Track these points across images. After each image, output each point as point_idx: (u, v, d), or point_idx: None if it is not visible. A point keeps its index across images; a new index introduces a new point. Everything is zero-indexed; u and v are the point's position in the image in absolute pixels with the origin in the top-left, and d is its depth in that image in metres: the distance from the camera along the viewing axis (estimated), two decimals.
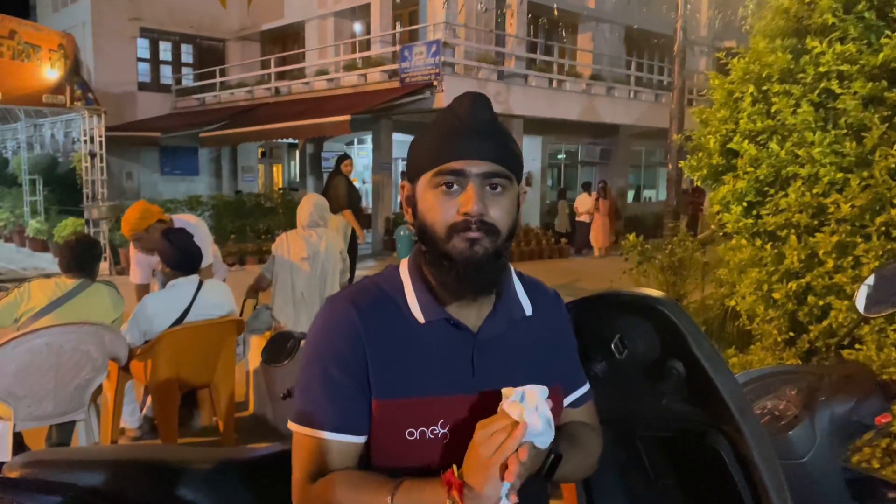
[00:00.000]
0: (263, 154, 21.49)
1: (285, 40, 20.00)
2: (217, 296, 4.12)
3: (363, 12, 17.61)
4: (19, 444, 3.77)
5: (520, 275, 1.35)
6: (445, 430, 1.17)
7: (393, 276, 1.26)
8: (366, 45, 16.63)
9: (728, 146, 2.52)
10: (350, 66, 15.74)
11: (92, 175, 11.06)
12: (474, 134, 1.16)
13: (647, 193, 22.95)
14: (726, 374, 1.24)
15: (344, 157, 9.26)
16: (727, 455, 1.26)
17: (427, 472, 1.16)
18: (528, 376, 1.18)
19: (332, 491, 1.14)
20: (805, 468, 1.57)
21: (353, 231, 8.64)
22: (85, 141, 11.04)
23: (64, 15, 19.27)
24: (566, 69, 16.98)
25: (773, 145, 2.36)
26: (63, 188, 13.43)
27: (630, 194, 21.26)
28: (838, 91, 2.28)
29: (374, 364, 1.17)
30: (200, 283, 4.03)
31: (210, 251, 4.61)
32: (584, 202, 15.95)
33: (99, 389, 3.77)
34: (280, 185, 21.87)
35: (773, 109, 2.41)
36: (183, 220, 4.61)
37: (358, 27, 18.46)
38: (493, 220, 1.15)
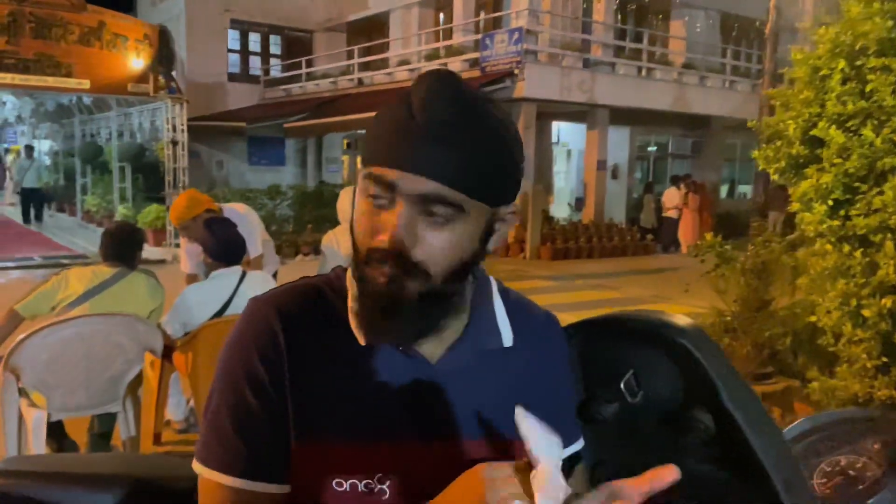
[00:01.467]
0: (349, 146, 21.69)
1: (370, 31, 20.03)
2: (260, 288, 3.95)
3: (447, 1, 17.41)
4: (61, 434, 3.76)
5: (504, 291, 1.05)
6: (384, 486, 0.90)
7: (339, 280, 0.99)
8: (448, 34, 16.43)
9: (811, 133, 2.12)
10: (432, 56, 15.59)
11: (174, 163, 11.33)
12: (423, 138, 0.84)
13: (741, 189, 21.85)
14: (770, 434, 0.91)
15: None
16: None
17: None
18: (499, 424, 0.95)
19: None
20: None
21: None
22: (168, 129, 11.31)
23: (161, 9, 19.98)
24: (656, 57, 16.27)
25: (867, 132, 1.95)
26: (149, 176, 13.87)
27: (723, 189, 20.27)
28: None
29: (297, 394, 0.90)
30: (243, 275, 3.89)
31: (258, 242, 4.48)
32: (672, 197, 15.28)
33: (139, 381, 3.69)
34: None
35: (868, 89, 1.99)
36: (231, 208, 4.50)
37: (441, 16, 18.27)
38: (420, 258, 0.86)
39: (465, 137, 0.85)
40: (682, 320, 1.02)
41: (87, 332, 3.29)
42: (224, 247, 3.85)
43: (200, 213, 4.25)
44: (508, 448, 0.95)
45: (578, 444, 1.06)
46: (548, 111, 15.01)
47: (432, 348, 0.94)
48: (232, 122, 16.52)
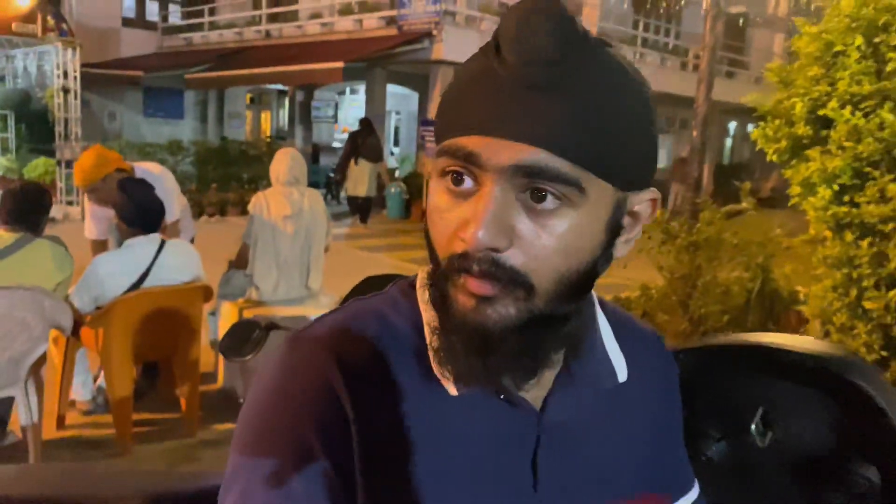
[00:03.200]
0: (252, 100, 20.74)
1: None
2: (181, 258, 3.61)
3: None
4: None
5: (612, 311, 0.82)
6: None
7: (407, 298, 0.73)
8: None
9: (820, 113, 2.00)
10: (345, 11, 14.98)
11: (65, 112, 10.37)
12: (517, 84, 0.58)
13: None
14: None
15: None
16: None
17: None
18: (624, 481, 0.75)
19: None
20: None
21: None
22: (58, 76, 10.33)
23: None
24: None
25: (885, 114, 1.84)
26: (36, 126, 12.70)
27: None
28: None
29: (366, 459, 0.64)
30: (162, 244, 3.52)
31: (176, 205, 4.06)
32: None
33: (42, 360, 3.28)
34: (268, 134, 21.15)
35: (888, 69, 1.88)
36: (145, 168, 4.05)
37: None
38: (520, 262, 0.60)
39: (580, 85, 0.59)
40: (847, 353, 0.82)
41: None
42: (141, 212, 3.47)
43: (110, 172, 3.79)
44: None
45: (695, 491, 0.86)
46: None
47: (534, 390, 0.70)
48: (128, 71, 15.37)
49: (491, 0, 14.63)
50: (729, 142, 23.99)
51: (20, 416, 3.22)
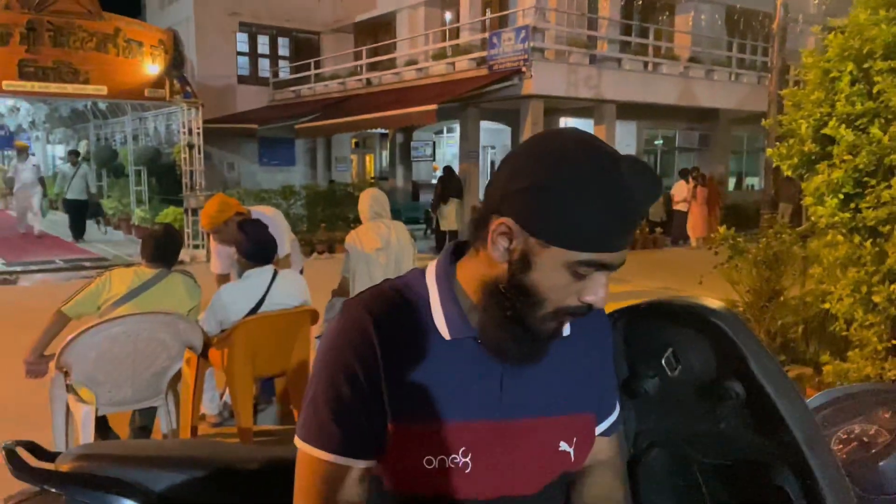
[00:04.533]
0: (357, 144, 21.85)
1: (377, 31, 20.18)
2: (291, 286, 4.14)
3: (453, 0, 17.53)
4: (105, 427, 3.92)
5: None
6: (467, 459, 1.05)
7: (417, 283, 1.11)
8: (455, 33, 16.55)
9: (823, 132, 2.26)
10: (439, 56, 15.71)
11: (190, 165, 11.51)
12: (639, 218, 1.00)
13: (749, 181, 21.90)
14: (794, 399, 1.07)
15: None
16: (793, 492, 1.09)
17: (446, 502, 1.05)
18: (561, 403, 1.12)
19: None
20: None
21: None
22: (184, 133, 11.50)
23: (169, 12, 20.18)
24: (662, 51, 16.35)
25: (875, 130, 2.09)
26: (165, 178, 14.05)
27: (731, 182, 20.32)
28: None
29: (391, 383, 1.04)
30: (275, 274, 4.05)
31: (286, 242, 4.64)
32: (680, 190, 15.36)
33: (178, 376, 3.85)
34: (371, 175, 22.18)
35: (875, 90, 2.13)
36: (260, 211, 4.66)
37: (448, 15, 18.39)
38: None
39: None
40: (715, 303, 1.18)
41: (133, 330, 3.45)
42: (257, 247, 4.01)
43: (231, 216, 4.41)
44: (568, 423, 1.12)
45: (617, 411, 1.22)
46: (555, 107, 15.13)
47: None
48: (243, 125, 16.68)
49: (579, 34, 14.96)
50: None
51: (162, 425, 3.80)
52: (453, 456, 1.04)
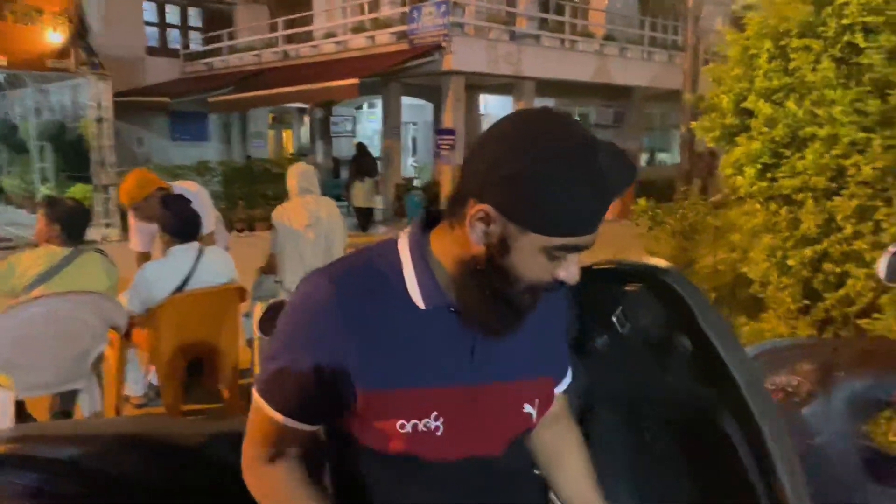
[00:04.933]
0: (274, 120, 21.33)
1: (294, 3, 19.64)
2: (217, 263, 4.06)
3: None
4: (21, 413, 3.77)
5: None
6: (439, 423, 1.10)
7: (390, 252, 1.13)
8: (374, 6, 16.33)
9: (742, 106, 2.39)
10: (358, 29, 15.49)
11: (100, 141, 11.00)
12: (609, 200, 1.01)
13: (661, 157, 22.66)
14: (735, 350, 1.15)
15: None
16: (735, 436, 1.17)
17: (417, 463, 1.10)
18: (525, 368, 1.19)
19: (270, 487, 1.15)
20: (820, 447, 1.49)
21: None
22: (92, 107, 10.95)
23: None
24: (578, 29, 16.64)
25: (791, 104, 2.23)
26: (71, 154, 13.36)
27: (643, 158, 20.97)
28: (862, 45, 2.13)
29: (360, 352, 1.07)
30: (201, 251, 3.97)
31: (211, 218, 4.54)
32: None
33: (101, 358, 3.74)
34: (290, 151, 21.74)
35: (791, 66, 2.27)
36: (182, 187, 4.53)
37: None
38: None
39: None
40: (663, 263, 1.25)
41: (54, 311, 3.32)
42: (182, 224, 3.91)
43: (152, 191, 4.27)
44: (532, 387, 1.20)
45: (570, 373, 1.30)
46: (475, 84, 15.20)
47: None
48: (154, 98, 16.02)
49: (499, 10, 15.04)
50: None
51: (82, 408, 3.68)
52: (425, 420, 1.09)
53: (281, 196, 14.10)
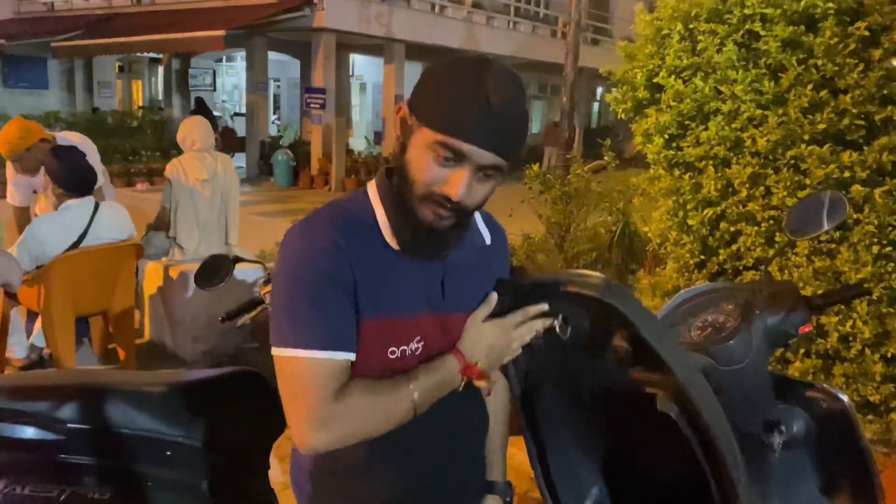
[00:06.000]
0: (122, 69, 19.89)
1: None
2: (115, 218, 3.91)
3: None
4: None
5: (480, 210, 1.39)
6: (419, 346, 1.24)
7: (362, 201, 1.25)
8: None
9: (654, 81, 2.67)
10: None
11: None
12: (496, 124, 1.09)
13: None
14: (674, 349, 1.29)
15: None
16: (678, 419, 1.33)
17: None
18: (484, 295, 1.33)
19: (354, 401, 1.14)
20: (742, 372, 1.75)
21: None
22: None
23: None
24: None
25: (698, 81, 2.52)
26: None
27: None
28: (761, 33, 2.46)
29: (361, 283, 1.18)
30: (97, 206, 3.80)
31: (100, 171, 4.32)
32: None
33: None
34: (140, 103, 20.41)
35: (699, 48, 2.56)
36: (68, 138, 4.27)
37: None
38: (469, 205, 1.15)
39: (522, 123, 1.14)
40: (602, 278, 1.30)
41: None
42: (76, 177, 3.72)
43: (35, 142, 4.01)
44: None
45: None
46: (346, 43, 15.01)
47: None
48: None
49: None
50: (596, 106, 25.30)
51: None
52: (411, 345, 1.23)
53: (138, 150, 13.35)
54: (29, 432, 1.77)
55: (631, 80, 2.78)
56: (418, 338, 1.23)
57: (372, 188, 1.25)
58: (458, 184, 1.11)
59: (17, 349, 4.16)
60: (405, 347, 1.22)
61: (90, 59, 17.72)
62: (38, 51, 15.28)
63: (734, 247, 2.61)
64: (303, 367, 1.13)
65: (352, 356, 1.16)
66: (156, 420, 1.87)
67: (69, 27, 15.09)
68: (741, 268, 2.65)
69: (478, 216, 1.35)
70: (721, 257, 2.65)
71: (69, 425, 1.80)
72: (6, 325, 3.98)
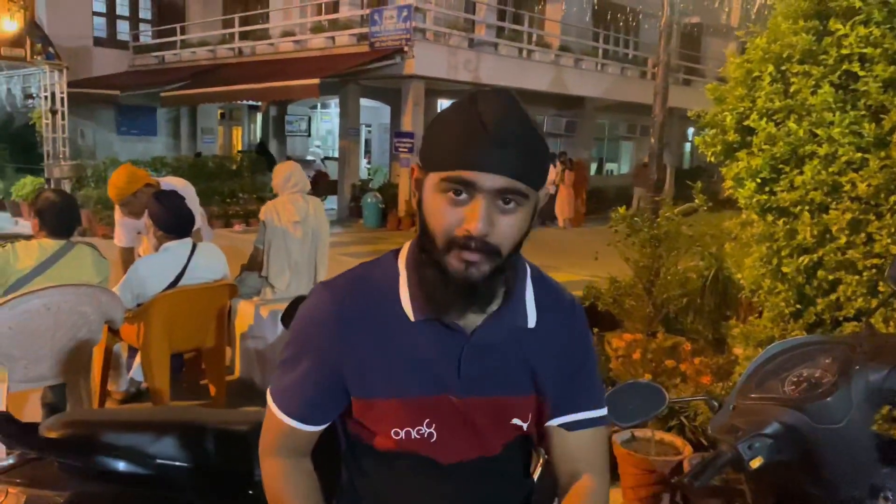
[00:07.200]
0: (223, 115, 21.02)
1: None
2: (211, 259, 4.08)
3: None
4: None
5: (538, 278, 1.27)
6: (432, 430, 1.17)
7: (389, 266, 1.20)
8: (333, 6, 16.30)
9: (744, 124, 2.59)
10: (317, 29, 15.44)
11: (53, 133, 10.70)
12: (496, 144, 1.03)
13: (609, 166, 23.23)
14: None
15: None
16: None
17: (416, 460, 1.19)
18: (513, 386, 1.21)
19: (277, 482, 1.24)
20: (842, 432, 1.65)
21: None
22: (45, 97, 10.65)
23: None
24: (535, 39, 16.96)
25: (791, 124, 2.43)
26: (19, 146, 12.92)
27: (593, 167, 21.48)
28: (860, 74, 2.36)
29: (353, 363, 1.16)
30: (194, 246, 3.99)
31: (199, 214, 4.55)
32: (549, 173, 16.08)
33: (91, 352, 3.72)
34: (239, 148, 21.44)
35: (792, 89, 2.48)
36: (170, 183, 4.53)
37: None
38: (496, 241, 1.06)
39: (524, 141, 1.07)
40: None
41: (54, 303, 3.29)
42: (176, 219, 3.92)
43: (140, 187, 4.27)
44: (519, 404, 1.22)
45: (597, 412, 1.28)
46: (435, 89, 15.35)
47: (473, 319, 1.16)
48: (104, 90, 15.62)
49: (458, 17, 15.23)
50: (688, 146, 24.82)
51: (68, 402, 3.65)
52: (419, 427, 1.16)
53: (237, 193, 13.97)
54: (121, 466, 1.84)
55: (720, 123, 2.71)
56: (428, 420, 1.16)
57: (403, 251, 1.21)
58: (474, 216, 1.04)
59: (119, 382, 4.37)
60: (410, 429, 1.17)
61: (195, 108, 18.82)
62: (148, 101, 16.32)
63: (833, 296, 2.47)
64: (270, 413, 1.24)
65: (310, 428, 1.22)
66: (241, 458, 1.91)
67: (176, 78, 16.05)
68: (841, 318, 2.50)
69: (529, 293, 1.23)
70: (819, 307, 2.51)
71: (159, 460, 1.87)
72: (109, 359, 4.20)
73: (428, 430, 1.16)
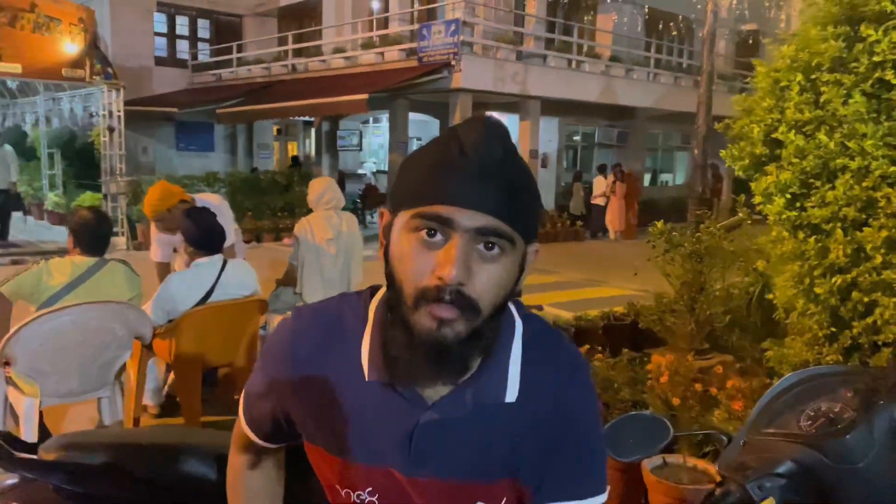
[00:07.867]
0: (279, 131, 21.46)
1: (302, 17, 19.83)
2: (241, 275, 4.11)
3: None
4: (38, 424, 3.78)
5: (533, 338, 1.03)
6: (374, 499, 1.04)
7: (362, 307, 1.03)
8: (383, 22, 16.49)
9: (773, 136, 2.46)
10: (367, 45, 15.63)
11: (110, 150, 11.08)
12: (476, 175, 0.87)
13: (663, 177, 22.80)
14: None
15: None
16: None
17: None
18: (479, 468, 1.00)
19: (232, 475, 1.27)
20: (862, 473, 1.53)
21: None
22: (104, 115, 11.04)
23: None
24: (584, 50, 16.80)
25: (822, 136, 2.29)
26: (81, 162, 13.45)
27: (646, 178, 21.11)
28: (894, 82, 2.21)
29: (303, 410, 1.06)
30: (225, 263, 4.02)
31: (232, 231, 4.59)
32: (599, 185, 15.87)
33: (122, 367, 3.77)
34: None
35: (822, 99, 2.34)
36: (205, 199, 4.59)
37: (376, 4, 18.29)
38: (474, 293, 0.88)
39: (511, 175, 0.90)
40: None
41: (82, 319, 3.36)
42: (206, 236, 3.96)
43: (174, 204, 4.33)
44: (483, 489, 1.01)
45: (597, 499, 1.03)
46: (482, 101, 15.32)
47: (436, 389, 0.97)
48: (163, 108, 16.13)
49: (506, 30, 15.20)
50: None
51: (104, 417, 3.71)
52: (359, 492, 1.05)
53: (287, 208, 14.25)
54: (115, 489, 1.82)
55: (748, 136, 2.57)
56: (370, 489, 1.03)
57: (378, 296, 1.03)
58: (448, 260, 0.86)
59: (153, 397, 4.43)
60: (350, 492, 1.05)
61: (251, 124, 19.27)
62: (206, 117, 16.78)
63: (870, 319, 2.31)
64: (242, 432, 1.21)
65: (263, 444, 1.20)
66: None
67: (232, 95, 16.46)
68: (880, 343, 2.34)
69: (515, 359, 1.00)
70: (855, 331, 2.35)
71: (156, 483, 1.85)
72: (143, 374, 4.25)
73: (370, 498, 1.04)
